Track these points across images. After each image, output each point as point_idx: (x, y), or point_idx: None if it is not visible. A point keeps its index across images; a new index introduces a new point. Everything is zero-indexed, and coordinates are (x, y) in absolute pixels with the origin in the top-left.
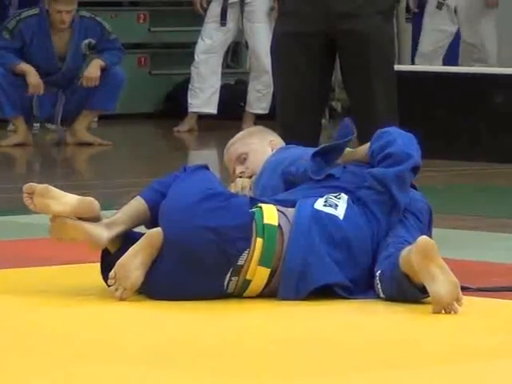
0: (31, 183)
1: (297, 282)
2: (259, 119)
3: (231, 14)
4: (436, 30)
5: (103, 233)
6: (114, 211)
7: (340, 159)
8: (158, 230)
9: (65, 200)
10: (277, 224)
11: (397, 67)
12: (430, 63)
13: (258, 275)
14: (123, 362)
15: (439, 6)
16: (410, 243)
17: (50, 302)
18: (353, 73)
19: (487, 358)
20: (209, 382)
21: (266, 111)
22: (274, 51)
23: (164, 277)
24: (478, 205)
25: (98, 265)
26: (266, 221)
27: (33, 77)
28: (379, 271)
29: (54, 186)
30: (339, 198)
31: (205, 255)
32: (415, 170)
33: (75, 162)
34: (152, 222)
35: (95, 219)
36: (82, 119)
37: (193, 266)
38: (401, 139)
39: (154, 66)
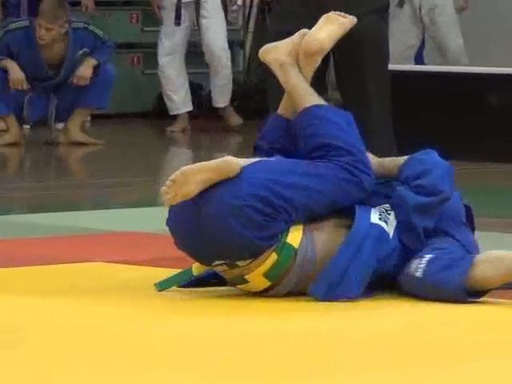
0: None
1: (328, 284)
2: (250, 119)
3: (186, 14)
4: (402, 31)
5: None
6: (109, 210)
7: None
8: (236, 162)
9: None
10: (297, 247)
11: (393, 66)
12: (400, 64)
13: (258, 282)
14: (127, 364)
15: (400, 3)
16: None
17: (45, 302)
18: (347, 73)
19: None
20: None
21: (227, 103)
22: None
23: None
24: (473, 205)
25: (94, 264)
26: (288, 239)
27: (14, 72)
28: (430, 256)
29: (47, 186)
30: (389, 214)
31: (213, 240)
32: (443, 201)
33: (68, 162)
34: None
35: None
36: (74, 118)
37: (200, 232)
38: (436, 171)
39: (146, 66)
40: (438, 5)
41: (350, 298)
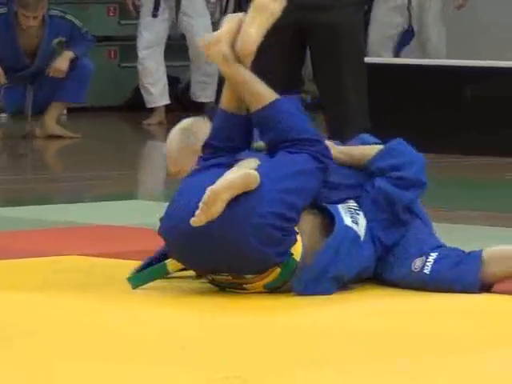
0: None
1: (306, 284)
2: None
3: (167, 7)
4: (382, 21)
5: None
6: (85, 204)
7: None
8: (256, 174)
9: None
10: (298, 260)
11: (370, 59)
12: (377, 54)
13: (256, 290)
14: (105, 358)
15: None
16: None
17: (18, 296)
18: (323, 64)
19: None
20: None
21: (212, 99)
22: None
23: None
24: (452, 197)
25: (69, 257)
26: (293, 251)
27: None
28: (437, 253)
29: (23, 180)
30: (358, 214)
31: (226, 255)
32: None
33: (44, 155)
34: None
35: None
36: (51, 111)
37: (208, 244)
38: (417, 163)
39: (123, 59)
40: None
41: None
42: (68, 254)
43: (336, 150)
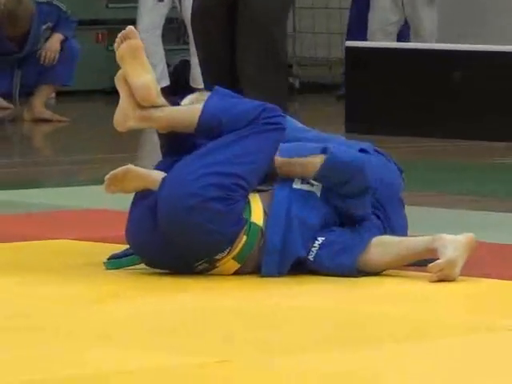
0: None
1: (279, 259)
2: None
3: None
4: (382, 8)
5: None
6: (73, 188)
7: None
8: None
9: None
10: (261, 225)
11: (358, 43)
12: (381, 40)
13: (228, 266)
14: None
15: None
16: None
17: (7, 280)
18: (244, 38)
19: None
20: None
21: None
22: (191, 24)
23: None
24: (437, 182)
25: (58, 241)
26: (252, 219)
27: None
28: (324, 238)
29: (11, 164)
30: (313, 185)
31: (188, 247)
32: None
33: (32, 139)
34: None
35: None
36: (39, 95)
37: (170, 246)
38: (354, 176)
39: (111, 42)
40: None
41: (301, 257)
42: (56, 238)
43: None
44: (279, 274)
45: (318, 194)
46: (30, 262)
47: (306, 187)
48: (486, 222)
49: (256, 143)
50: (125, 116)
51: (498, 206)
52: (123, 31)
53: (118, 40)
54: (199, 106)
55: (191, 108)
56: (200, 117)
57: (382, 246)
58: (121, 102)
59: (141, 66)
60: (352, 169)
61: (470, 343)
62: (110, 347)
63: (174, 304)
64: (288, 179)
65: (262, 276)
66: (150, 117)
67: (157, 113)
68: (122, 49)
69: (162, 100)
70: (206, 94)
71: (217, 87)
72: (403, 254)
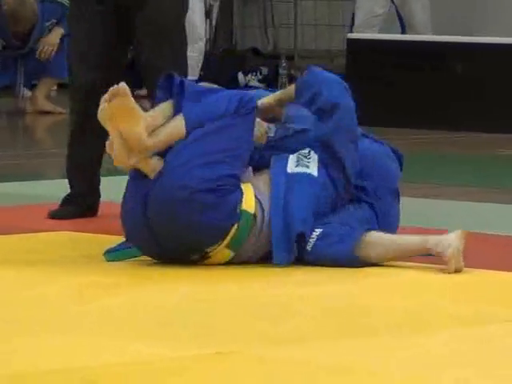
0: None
1: (285, 245)
2: None
3: None
4: (368, 0)
5: (148, 139)
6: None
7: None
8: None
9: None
10: (253, 212)
11: (359, 35)
12: (364, 32)
13: (221, 255)
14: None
15: None
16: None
17: (11, 272)
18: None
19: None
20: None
21: (196, 76)
22: (69, 18)
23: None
24: (438, 173)
25: (61, 233)
26: (244, 207)
27: None
28: (321, 230)
29: (14, 155)
30: (309, 158)
31: (179, 240)
32: (347, 110)
33: (35, 131)
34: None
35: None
36: (41, 87)
37: (161, 238)
38: (325, 89)
39: None
40: None
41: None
42: (58, 230)
43: (262, 103)
44: (289, 260)
45: (316, 174)
46: (32, 254)
47: (300, 169)
48: (488, 213)
49: (239, 130)
50: (124, 158)
51: (500, 197)
52: (114, 89)
53: (106, 97)
54: (179, 118)
55: (173, 124)
56: (186, 127)
57: (372, 242)
58: (115, 145)
59: (134, 119)
60: (323, 80)
61: (470, 334)
62: (109, 338)
63: (174, 295)
64: (283, 164)
65: (275, 265)
66: (145, 157)
67: (149, 151)
68: (112, 107)
69: (151, 140)
70: (169, 106)
71: (174, 94)
72: (397, 254)
